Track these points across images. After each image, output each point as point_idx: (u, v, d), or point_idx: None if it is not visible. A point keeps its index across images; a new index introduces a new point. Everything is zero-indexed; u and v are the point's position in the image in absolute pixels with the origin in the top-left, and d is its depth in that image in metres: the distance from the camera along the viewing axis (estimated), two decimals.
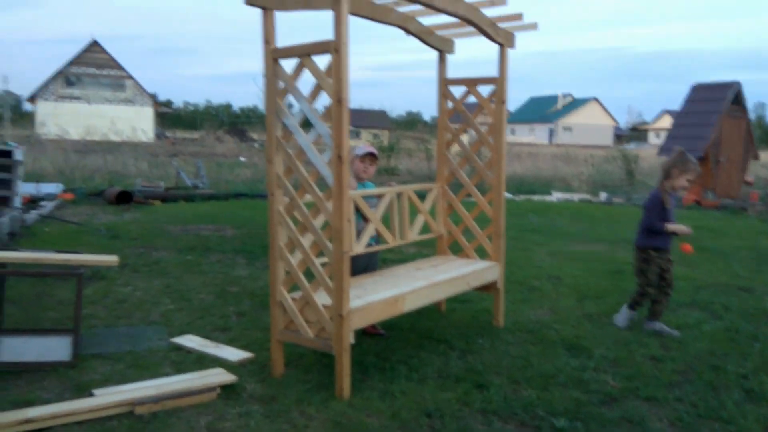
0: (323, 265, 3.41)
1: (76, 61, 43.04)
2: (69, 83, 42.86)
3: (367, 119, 59.37)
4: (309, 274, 3.48)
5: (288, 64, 3.42)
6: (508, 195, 15.49)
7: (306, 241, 3.46)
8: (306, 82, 3.63)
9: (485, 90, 4.68)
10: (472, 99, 4.79)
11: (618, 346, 4.29)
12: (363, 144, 4.65)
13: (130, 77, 44.69)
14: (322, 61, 3.24)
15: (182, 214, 10.32)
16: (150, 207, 11.20)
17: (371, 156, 4.45)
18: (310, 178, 3.36)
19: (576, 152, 31.53)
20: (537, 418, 3.17)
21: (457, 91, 4.89)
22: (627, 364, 3.95)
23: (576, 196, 15.58)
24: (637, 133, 76.45)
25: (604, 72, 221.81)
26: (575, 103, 73.52)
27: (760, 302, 5.52)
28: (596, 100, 72.76)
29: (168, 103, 73.20)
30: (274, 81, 3.40)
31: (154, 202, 11.67)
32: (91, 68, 43.29)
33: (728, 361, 4.06)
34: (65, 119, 40.10)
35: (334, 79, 3.12)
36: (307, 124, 3.40)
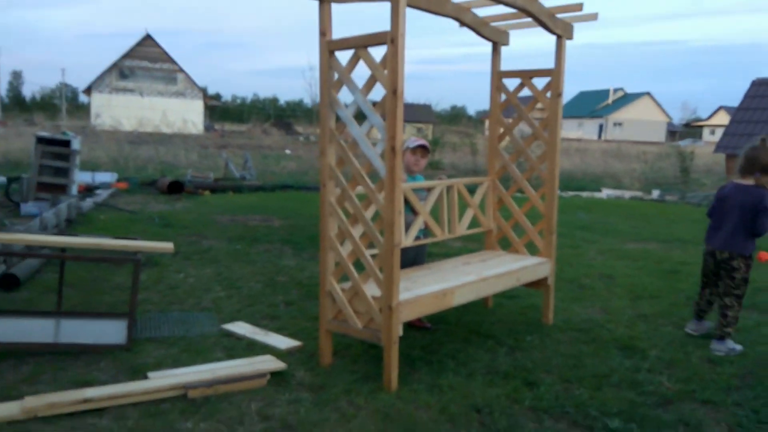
0: (373, 256, 3.40)
1: (129, 54, 44.35)
2: (123, 76, 44.20)
3: (412, 113, 59.16)
4: (358, 266, 3.49)
5: (342, 57, 3.43)
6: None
7: (356, 232, 3.46)
8: (360, 75, 3.65)
9: (539, 83, 4.59)
10: (524, 92, 4.71)
11: (673, 347, 4.15)
12: (412, 137, 4.62)
13: (182, 71, 45.79)
14: (377, 53, 3.23)
15: (230, 204, 10.52)
16: (200, 197, 11.46)
17: (423, 149, 4.41)
18: (362, 169, 3.36)
19: (627, 148, 30.68)
20: (589, 417, 3.10)
21: (510, 84, 4.81)
22: (683, 366, 3.82)
23: (627, 194, 15.17)
24: (691, 129, 73.84)
25: (658, 66, 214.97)
26: (627, 98, 71.45)
27: None
28: (649, 94, 70.52)
29: (217, 97, 74.76)
30: (329, 73, 3.41)
31: (204, 193, 11.94)
32: (144, 62, 44.53)
33: None
34: (119, 111, 41.45)
35: (389, 70, 3.10)
36: (360, 117, 3.39)
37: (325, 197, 3.51)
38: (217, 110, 59.39)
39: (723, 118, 59.93)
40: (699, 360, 3.95)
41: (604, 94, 73.62)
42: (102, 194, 10.86)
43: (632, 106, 69.17)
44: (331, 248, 3.55)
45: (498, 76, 4.78)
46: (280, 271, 5.95)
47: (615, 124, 67.83)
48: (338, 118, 3.44)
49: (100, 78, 43.72)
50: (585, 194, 14.89)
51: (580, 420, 3.08)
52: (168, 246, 4.06)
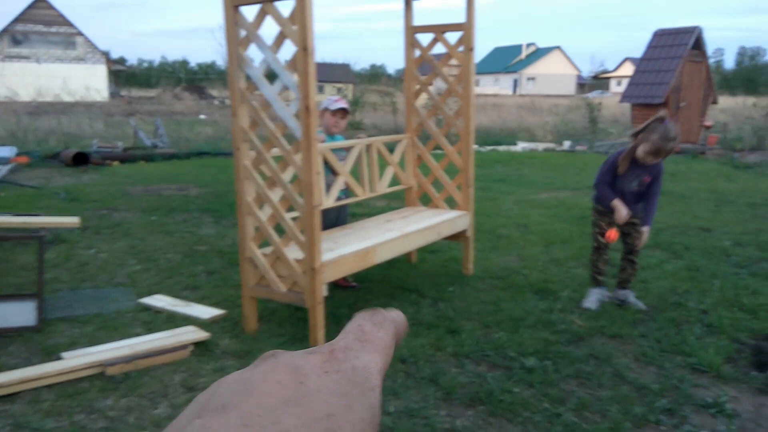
0: (293, 219, 3.36)
1: (21, 18, 40.75)
2: (15, 42, 40.68)
3: (330, 73, 58.23)
4: (279, 229, 3.44)
5: (249, 13, 3.29)
6: (474, 146, 15.53)
7: (275, 195, 3.40)
8: (270, 33, 3.52)
9: (452, 39, 4.60)
10: (441, 49, 4.71)
11: (584, 288, 4.39)
12: (331, 96, 4.54)
13: (81, 34, 42.67)
14: (285, 8, 3.12)
15: (143, 174, 10.06)
16: (108, 168, 10.87)
17: (343, 111, 4.36)
18: (277, 130, 3.28)
19: (540, 102, 31.65)
20: (508, 358, 3.26)
21: (424, 41, 4.79)
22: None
23: (541, 146, 15.71)
24: (600, 81, 76.99)
25: (567, 20, 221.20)
26: (539, 53, 73.35)
27: (719, 241, 5.70)
28: (559, 48, 72.69)
29: (121, 61, 70.37)
30: (235, 30, 3.27)
31: (113, 163, 11.33)
32: (39, 26, 41.12)
33: (689, 298, 4.21)
34: (14, 80, 38.25)
35: (298, 25, 3.01)
36: (271, 76, 3.29)
37: (239, 161, 3.42)
38: (123, 75, 55.97)
39: (629, 69, 62.75)
40: (607, 298, 4.21)
41: (518, 49, 75.22)
42: (1, 170, 10.08)
43: (544, 60, 71.13)
44: (249, 213, 3.48)
45: (411, 31, 4.76)
46: (199, 240, 5.79)
47: (528, 79, 69.68)
48: (249, 78, 3.33)
49: None
50: (502, 148, 15.29)
51: (500, 361, 3.24)
52: (73, 221, 3.85)
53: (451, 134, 4.92)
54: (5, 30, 40.35)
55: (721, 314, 3.90)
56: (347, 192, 4.42)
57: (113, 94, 42.59)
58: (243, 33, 3.26)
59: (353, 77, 58.39)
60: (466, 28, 4.46)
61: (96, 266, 4.96)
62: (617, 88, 65.00)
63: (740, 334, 3.63)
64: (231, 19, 3.24)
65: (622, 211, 3.82)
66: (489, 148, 15.28)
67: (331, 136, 4.39)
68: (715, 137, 14.76)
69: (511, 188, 8.93)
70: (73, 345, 3.42)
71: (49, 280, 4.53)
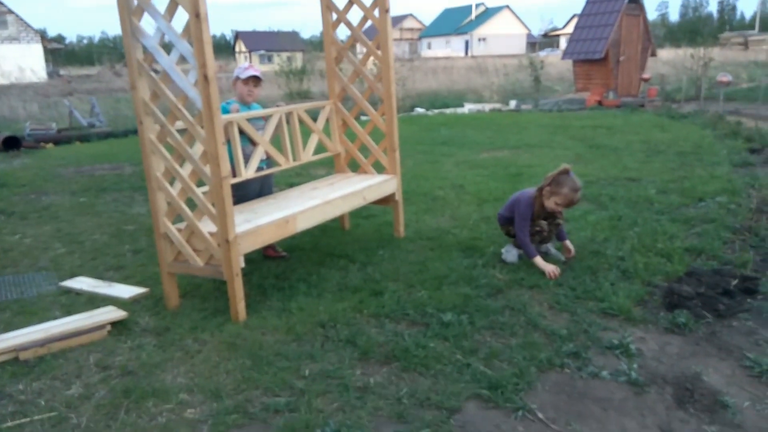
0: (205, 193, 3.32)
1: None
2: None
3: (279, 42, 57.02)
4: (192, 204, 3.40)
5: None
6: (421, 110, 15.51)
7: (185, 169, 3.35)
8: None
9: (369, 2, 4.54)
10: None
11: (509, 243, 4.50)
12: (246, 65, 4.43)
13: (11, 12, 40.57)
14: None
15: (76, 155, 9.75)
16: (42, 151, 10.50)
17: (255, 79, 4.27)
18: (178, 102, 3.20)
19: (489, 63, 31.70)
20: (426, 315, 3.33)
21: (342, 3, 4.72)
22: None
23: (487, 107, 15.80)
24: (550, 39, 77.43)
25: None
26: (488, 13, 73.15)
27: (645, 190, 5.89)
28: (508, 8, 72.62)
29: (59, 39, 67.28)
30: None
31: (46, 146, 10.95)
32: None
33: (608, 246, 4.35)
34: None
35: None
36: (169, 46, 3.20)
37: (144, 135, 3.34)
38: (61, 54, 53.65)
39: None
40: None
41: (467, 10, 74.83)
42: None
43: (494, 20, 71.05)
44: (160, 188, 3.42)
45: None
46: (128, 220, 5.68)
47: (479, 40, 69.59)
48: (145, 49, 3.23)
49: None
50: (449, 111, 15.32)
51: (418, 318, 3.31)
52: None
53: (375, 98, 4.89)
54: None
55: (636, 260, 4.04)
56: (269, 162, 4.37)
57: (51, 74, 40.80)
58: (135, 2, 3.15)
59: (302, 45, 57.26)
60: None
61: (20, 252, 4.83)
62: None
63: (654, 278, 3.78)
64: None
65: (547, 268, 3.88)
66: (436, 111, 15.30)
67: (246, 105, 4.32)
68: (655, 89, 15.08)
69: (453, 150, 9.00)
70: None
71: None
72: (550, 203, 4.01)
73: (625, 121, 11.35)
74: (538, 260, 3.98)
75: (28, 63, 38.62)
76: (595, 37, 15.19)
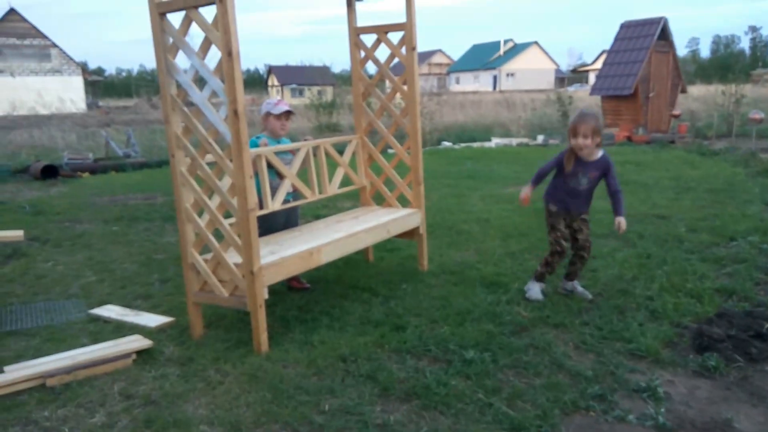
0: (232, 225, 3.38)
1: None
2: None
3: (310, 76, 58.00)
4: (219, 234, 3.46)
5: (176, 20, 3.31)
6: (447, 143, 15.60)
7: (212, 201, 3.42)
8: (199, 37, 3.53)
9: (396, 39, 4.63)
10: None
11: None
12: (276, 99, 4.55)
13: (55, 45, 42.34)
14: (210, 14, 3.13)
15: (111, 184, 10.02)
16: (78, 180, 10.81)
17: (288, 113, 4.38)
18: (209, 136, 3.29)
19: (516, 97, 31.83)
20: (449, 352, 3.30)
21: (370, 42, 4.82)
22: None
23: (515, 141, 15.82)
24: (578, 74, 77.52)
25: (544, 14, 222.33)
26: (517, 49, 73.74)
27: (674, 228, 5.79)
28: (537, 44, 73.13)
29: (99, 71, 69.87)
30: (162, 37, 3.28)
31: (83, 175, 11.28)
32: (12, 39, 40.73)
33: (636, 285, 4.28)
34: None
35: (222, 30, 3.03)
36: (201, 82, 3.31)
37: (175, 168, 3.43)
38: (101, 85, 55.59)
39: None
40: (555, 289, 4.27)
41: (496, 45, 75.56)
42: None
43: (522, 56, 71.53)
44: (189, 220, 3.49)
45: (354, 32, 4.79)
46: (158, 249, 5.79)
47: (508, 75, 70.02)
48: (179, 85, 3.34)
49: None
50: (476, 145, 15.38)
51: (440, 355, 3.28)
52: (17, 234, 3.85)
53: (402, 132, 4.94)
54: None
55: (665, 300, 3.96)
56: (296, 194, 4.44)
57: (90, 105, 42.25)
58: (170, 40, 3.28)
59: (332, 79, 58.32)
60: (407, 27, 4.50)
61: (52, 279, 4.94)
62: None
63: (683, 319, 3.70)
64: (157, 26, 3.26)
65: (523, 190, 4.06)
66: (463, 145, 15.36)
67: (276, 139, 4.41)
68: (686, 126, 14.94)
69: (479, 184, 9.00)
70: (18, 358, 3.41)
71: (3, 295, 4.52)
72: (571, 143, 3.91)
73: (655, 157, 11.23)
74: (525, 187, 4.05)
75: (68, 94, 40.08)
76: (624, 73, 15.17)
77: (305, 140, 4.53)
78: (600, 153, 3.97)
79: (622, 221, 3.96)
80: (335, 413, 2.75)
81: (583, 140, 3.83)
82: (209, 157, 3.43)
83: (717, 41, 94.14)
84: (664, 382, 2.99)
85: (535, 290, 4.12)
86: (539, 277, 4.17)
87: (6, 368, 3.21)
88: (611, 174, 3.98)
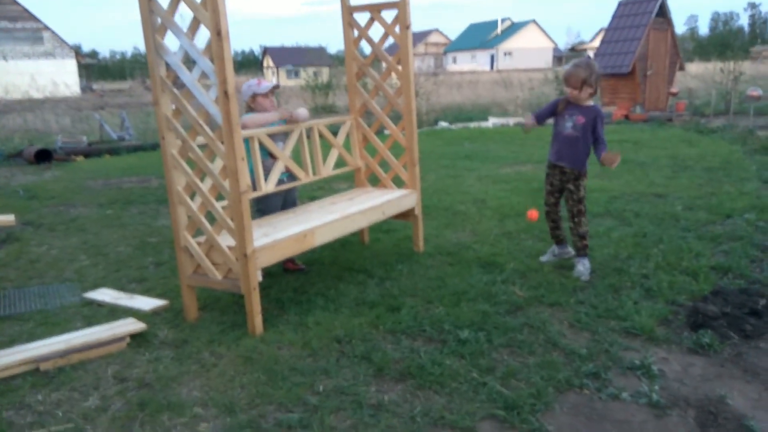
0: (224, 207, 3.36)
1: None
2: None
3: (306, 57, 57.65)
4: (212, 217, 3.44)
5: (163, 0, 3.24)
6: (444, 124, 15.51)
7: (204, 183, 3.39)
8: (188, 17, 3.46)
9: (390, 18, 4.56)
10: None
11: (530, 259, 4.45)
12: (255, 80, 4.44)
13: (48, 29, 41.84)
14: None
15: (105, 168, 9.96)
16: (72, 164, 10.75)
17: (275, 89, 4.32)
18: (199, 117, 3.25)
19: (513, 77, 31.63)
20: (443, 332, 3.29)
21: (364, 21, 4.75)
22: (535, 276, 4.11)
23: (512, 120, 15.72)
24: (577, 53, 76.91)
25: None
26: (514, 27, 73.12)
27: (671, 207, 5.78)
28: (534, 22, 72.47)
29: (93, 54, 69.21)
30: (150, 17, 3.22)
31: (77, 158, 11.20)
32: (3, 21, 40.25)
33: (632, 263, 4.27)
34: None
35: (210, 10, 2.97)
36: (191, 63, 3.26)
37: (166, 150, 3.39)
38: (95, 68, 55.11)
39: None
40: (551, 268, 4.26)
41: (493, 24, 74.93)
42: None
43: (520, 34, 70.95)
44: (180, 202, 3.46)
45: (348, 11, 4.72)
46: (153, 232, 5.76)
47: (505, 54, 69.51)
48: (168, 66, 3.29)
49: None
50: (473, 125, 15.29)
51: (435, 335, 3.27)
52: (9, 218, 3.81)
53: (396, 112, 4.88)
54: None
55: (660, 278, 3.96)
56: (291, 175, 4.40)
57: (85, 89, 41.91)
58: (159, 20, 3.22)
59: (329, 60, 57.89)
60: (400, 6, 4.42)
61: (46, 263, 4.93)
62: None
63: (678, 297, 3.70)
64: (146, 6, 3.19)
65: (528, 120, 4.23)
66: (460, 125, 15.27)
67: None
68: (683, 104, 14.86)
69: (476, 164, 8.96)
70: (12, 343, 3.40)
71: None
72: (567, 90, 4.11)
73: (652, 135, 11.18)
74: (527, 117, 4.25)
75: (62, 78, 39.72)
76: (622, 51, 15.05)
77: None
78: (590, 103, 4.11)
79: (606, 156, 3.96)
80: (330, 394, 2.75)
81: (572, 90, 4.00)
82: (200, 139, 3.39)
83: (716, 18, 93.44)
84: (659, 360, 2.99)
85: (585, 270, 4.10)
86: (555, 239, 4.40)
87: None
88: (598, 124, 4.05)
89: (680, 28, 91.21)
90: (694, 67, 27.60)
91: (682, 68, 16.01)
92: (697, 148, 9.32)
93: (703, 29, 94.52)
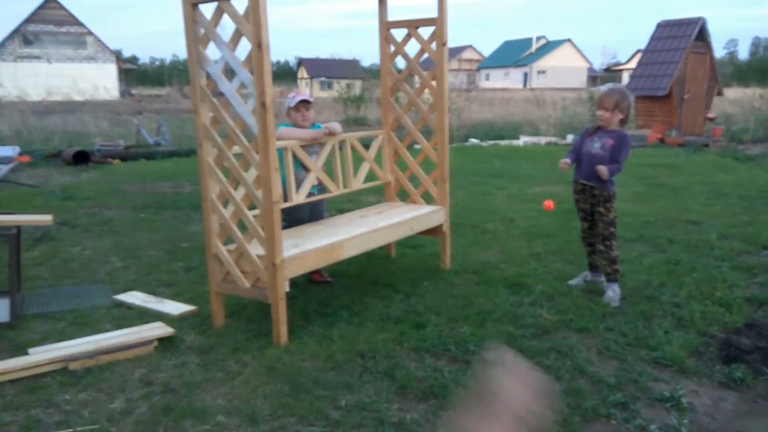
0: (256, 217, 3.39)
1: (32, 18, 41.36)
2: (27, 42, 41.27)
3: (339, 69, 58.26)
4: (243, 226, 3.47)
5: (208, 11, 3.32)
6: (475, 141, 15.47)
7: (237, 192, 3.43)
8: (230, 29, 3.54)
9: (427, 34, 4.59)
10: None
11: (558, 282, 4.39)
12: (293, 93, 4.52)
13: (91, 33, 43.16)
14: (241, 6, 3.13)
15: (141, 172, 10.17)
16: (109, 166, 10.99)
17: (304, 102, 4.36)
18: (236, 127, 3.30)
19: (546, 96, 31.43)
20: (468, 352, 3.26)
21: (400, 36, 4.79)
22: (564, 299, 4.05)
23: (543, 140, 15.61)
24: (612, 73, 76.19)
25: (578, 12, 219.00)
26: (549, 46, 72.76)
27: (705, 234, 5.65)
28: (570, 41, 72.06)
29: (133, 60, 71.01)
30: (194, 27, 3.30)
31: (113, 161, 11.46)
32: (49, 26, 41.68)
33: (663, 291, 4.18)
34: (25, 80, 38.75)
35: (252, 22, 3.03)
36: (231, 73, 3.32)
37: (202, 158, 3.45)
38: (134, 74, 56.49)
39: None
40: (580, 292, 4.20)
41: (528, 42, 74.68)
42: (2, 169, 10.22)
43: (555, 53, 70.56)
44: (214, 210, 3.51)
45: (385, 26, 4.76)
46: (184, 237, 5.85)
47: (539, 72, 69.15)
48: (209, 76, 3.35)
49: (2, 46, 40.65)
50: (503, 143, 15.22)
51: (460, 355, 3.25)
52: (46, 218, 3.91)
53: (429, 128, 4.89)
54: (17, 30, 40.91)
55: (693, 308, 3.87)
56: (322, 187, 4.43)
57: (123, 93, 42.99)
58: (201, 31, 3.29)
59: (362, 73, 58.40)
60: (438, 23, 4.45)
61: (79, 263, 5.03)
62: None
63: (710, 328, 3.61)
64: (189, 17, 3.27)
65: (563, 163, 4.20)
66: (491, 142, 15.21)
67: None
68: (721, 129, 14.57)
69: (506, 183, 8.90)
70: (42, 341, 3.47)
71: (31, 278, 4.61)
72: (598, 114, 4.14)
73: (688, 160, 10.98)
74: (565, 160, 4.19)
75: (102, 82, 40.85)
76: (659, 73, 14.86)
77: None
78: (619, 128, 4.12)
79: (601, 168, 3.97)
80: (351, 409, 2.74)
81: (603, 112, 4.03)
82: (236, 149, 3.44)
83: (756, 43, 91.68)
84: (689, 393, 2.91)
85: (616, 297, 4.04)
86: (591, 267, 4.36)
87: (30, 350, 3.27)
88: (622, 148, 4.03)
89: (719, 52, 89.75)
90: (733, 93, 27.06)
91: (720, 93, 15.73)
92: (733, 176, 9.11)
93: (743, 54, 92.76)
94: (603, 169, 3.94)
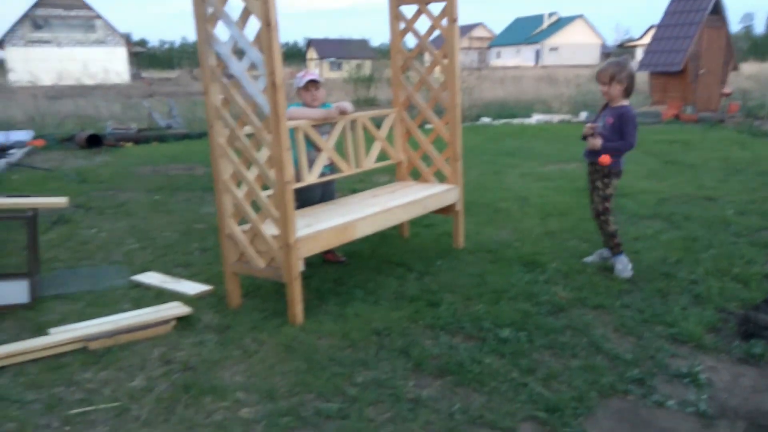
0: (269, 197, 3.39)
1: (42, 3, 41.37)
2: (37, 27, 41.36)
3: (349, 49, 57.91)
4: (256, 206, 3.48)
5: None
6: (487, 120, 15.34)
7: (250, 173, 3.43)
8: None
9: (437, 11, 4.52)
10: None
11: (573, 259, 4.37)
12: (301, 74, 4.46)
13: (100, 17, 43.12)
14: None
15: (153, 155, 10.21)
16: (121, 149, 11.05)
17: (312, 83, 4.33)
18: (247, 107, 3.29)
19: (559, 73, 31.05)
20: (483, 330, 3.26)
21: (409, 12, 4.73)
22: (579, 276, 4.03)
23: (556, 118, 15.44)
24: (625, 50, 75.00)
25: None
26: (561, 22, 71.67)
27: (722, 211, 5.59)
28: (582, 17, 70.90)
29: (142, 43, 70.92)
30: (203, 6, 3.27)
31: (126, 145, 11.51)
32: (59, 9, 41.69)
33: (680, 268, 4.15)
34: (36, 64, 38.91)
35: (261, 0, 3.00)
36: (241, 53, 3.30)
37: (214, 139, 3.45)
38: (144, 57, 56.52)
39: None
40: (595, 269, 4.17)
41: (539, 19, 73.60)
42: (17, 153, 10.31)
43: (567, 30, 69.52)
44: (226, 191, 3.52)
45: (395, 3, 4.69)
46: (198, 218, 5.88)
47: (551, 50, 68.23)
48: (218, 56, 3.34)
49: (12, 30, 40.76)
50: (516, 121, 15.08)
51: (475, 333, 3.25)
52: (61, 201, 3.94)
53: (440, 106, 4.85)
54: (26, 15, 40.96)
55: (710, 284, 3.84)
56: (333, 167, 4.42)
57: (134, 76, 43.04)
58: (210, 10, 3.27)
59: (371, 52, 57.93)
60: None
61: (95, 245, 5.08)
62: None
63: (728, 304, 3.58)
64: None
65: (592, 141, 3.99)
66: (503, 121, 15.08)
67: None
68: (737, 105, 14.33)
69: (519, 161, 8.84)
70: (62, 321, 3.52)
71: (48, 259, 4.66)
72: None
73: (703, 137, 10.82)
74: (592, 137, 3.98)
75: (113, 65, 40.90)
76: (674, 49, 14.59)
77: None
78: (623, 102, 3.99)
79: (595, 139, 3.95)
80: (368, 386, 2.76)
81: (602, 86, 3.96)
82: (247, 129, 3.43)
83: None
84: (707, 369, 2.90)
85: (627, 269, 4.05)
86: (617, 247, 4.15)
87: (51, 330, 3.32)
88: (627, 125, 3.91)
89: (735, 26, 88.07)
90: (749, 67, 26.58)
91: (735, 68, 15.44)
92: (749, 151, 8.98)
93: (759, 28, 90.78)
94: (596, 142, 3.93)
